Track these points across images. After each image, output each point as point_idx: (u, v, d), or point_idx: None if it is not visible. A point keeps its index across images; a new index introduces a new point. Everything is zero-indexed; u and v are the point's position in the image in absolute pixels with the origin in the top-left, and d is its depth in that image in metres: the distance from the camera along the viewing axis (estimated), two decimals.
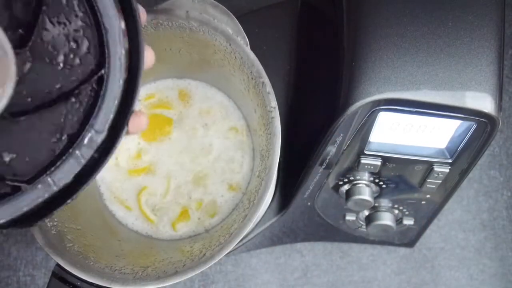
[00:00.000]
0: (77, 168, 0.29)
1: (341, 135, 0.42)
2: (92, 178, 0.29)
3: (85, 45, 0.29)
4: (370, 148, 0.43)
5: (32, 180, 0.28)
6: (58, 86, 0.29)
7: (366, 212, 0.52)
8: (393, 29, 0.39)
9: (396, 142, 0.43)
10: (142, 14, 0.33)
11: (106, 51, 0.29)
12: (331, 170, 0.46)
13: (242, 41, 0.44)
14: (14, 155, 0.29)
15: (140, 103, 0.52)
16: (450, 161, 0.43)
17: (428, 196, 0.48)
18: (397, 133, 0.42)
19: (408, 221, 0.52)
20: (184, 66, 0.51)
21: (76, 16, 0.29)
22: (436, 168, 0.43)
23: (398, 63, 0.38)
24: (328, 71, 0.45)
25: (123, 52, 0.29)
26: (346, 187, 0.48)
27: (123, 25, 0.29)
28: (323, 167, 0.46)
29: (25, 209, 0.28)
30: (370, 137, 0.42)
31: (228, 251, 0.41)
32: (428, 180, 0.45)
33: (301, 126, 0.53)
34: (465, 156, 0.43)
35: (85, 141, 0.29)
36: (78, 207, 0.48)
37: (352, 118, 0.40)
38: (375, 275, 0.61)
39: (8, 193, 0.29)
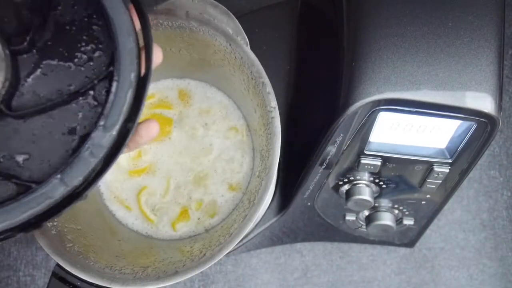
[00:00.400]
0: (88, 168, 0.29)
1: (341, 135, 0.42)
2: (102, 177, 0.29)
3: (95, 44, 0.29)
4: (370, 148, 0.43)
5: (44, 179, 0.28)
6: (69, 85, 0.29)
7: (366, 212, 0.52)
8: (393, 29, 0.39)
9: (396, 142, 0.43)
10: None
11: (116, 46, 0.29)
12: (331, 170, 0.46)
13: (242, 41, 0.44)
14: (27, 156, 0.29)
15: None
16: (450, 161, 0.43)
17: (428, 196, 0.48)
18: (397, 133, 0.42)
19: (408, 221, 0.52)
20: (184, 66, 0.51)
21: (86, 16, 0.29)
22: (436, 168, 0.43)
23: (398, 63, 0.38)
24: (328, 71, 0.45)
25: (133, 46, 0.29)
26: (346, 187, 0.48)
27: (132, 19, 0.29)
28: (323, 167, 0.46)
29: (36, 209, 0.28)
30: (370, 137, 0.42)
31: (228, 251, 0.41)
32: (428, 180, 0.45)
33: (301, 126, 0.53)
34: (465, 156, 0.42)
35: (96, 140, 0.29)
36: (78, 207, 0.47)
37: (352, 118, 0.40)
38: (375, 275, 0.61)
39: (20, 192, 0.29)
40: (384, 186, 0.48)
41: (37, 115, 0.29)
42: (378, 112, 0.39)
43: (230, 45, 0.43)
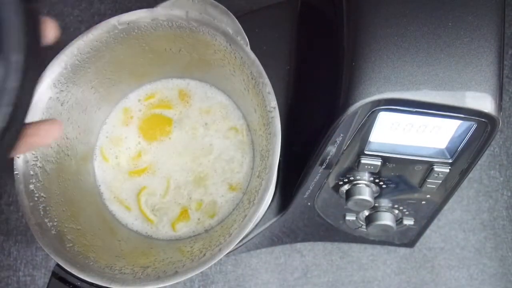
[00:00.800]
0: None
1: (341, 135, 0.42)
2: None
3: None
4: (370, 148, 0.43)
5: None
6: None
7: (366, 212, 0.52)
8: (393, 29, 0.39)
9: (396, 142, 0.43)
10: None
11: None
12: (331, 170, 0.46)
13: (242, 41, 0.44)
14: None
15: (140, 103, 0.52)
16: (450, 161, 0.43)
17: (428, 196, 0.48)
18: (397, 133, 0.42)
19: (408, 221, 0.52)
20: (184, 66, 0.51)
21: None
22: (436, 168, 0.43)
23: (398, 63, 0.38)
24: (328, 71, 0.45)
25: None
26: (346, 187, 0.48)
27: None
28: (323, 167, 0.46)
29: None
30: (370, 137, 0.42)
31: (228, 251, 0.41)
32: (428, 180, 0.45)
33: (301, 126, 0.53)
34: (465, 156, 0.42)
35: None
36: (78, 206, 0.48)
37: (352, 118, 0.40)
38: (375, 275, 0.61)
39: None
40: (384, 186, 0.48)
41: None
42: (378, 112, 0.39)
43: (230, 45, 0.43)
